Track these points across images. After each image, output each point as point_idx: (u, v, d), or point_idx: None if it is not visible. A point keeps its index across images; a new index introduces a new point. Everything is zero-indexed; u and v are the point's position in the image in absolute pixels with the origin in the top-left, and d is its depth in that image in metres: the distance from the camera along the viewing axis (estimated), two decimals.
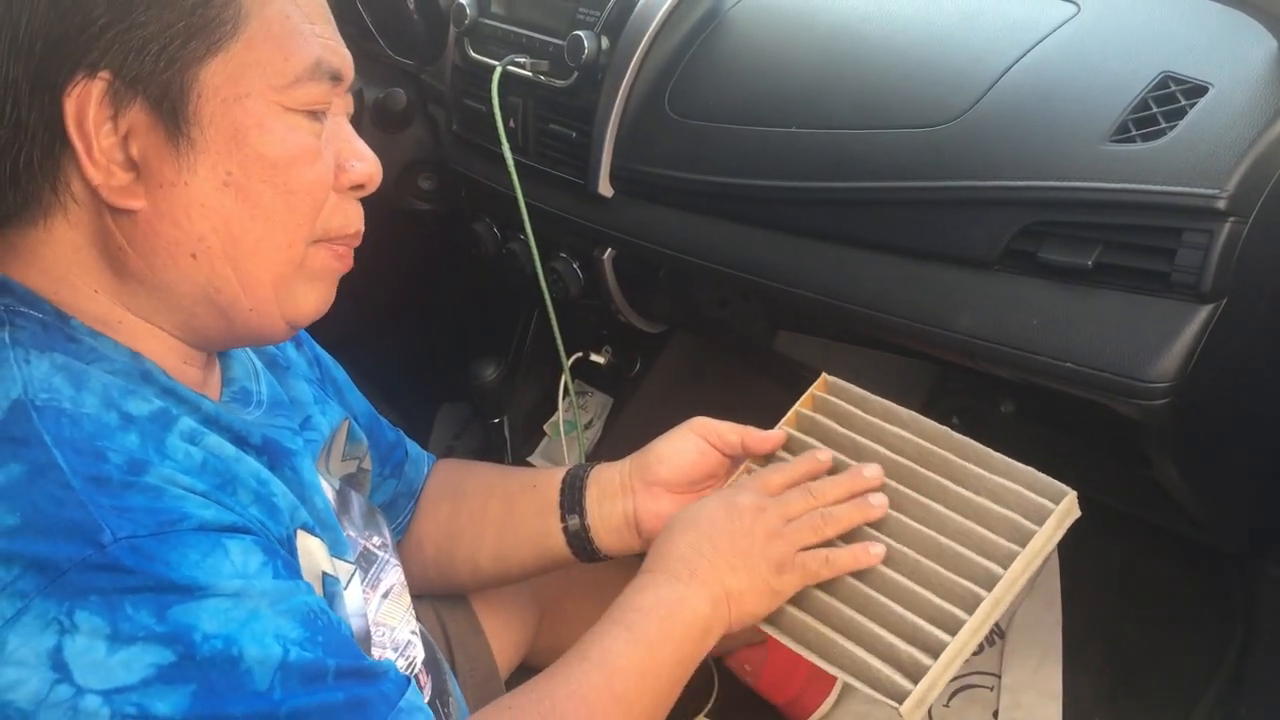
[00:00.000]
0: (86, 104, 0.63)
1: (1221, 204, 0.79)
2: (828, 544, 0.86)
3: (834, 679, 1.36)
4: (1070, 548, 1.34)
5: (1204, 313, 0.81)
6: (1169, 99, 0.86)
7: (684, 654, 0.81)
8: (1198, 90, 0.85)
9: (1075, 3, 0.99)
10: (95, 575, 0.57)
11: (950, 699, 1.34)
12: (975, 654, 1.35)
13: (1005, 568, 0.82)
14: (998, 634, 1.37)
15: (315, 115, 0.70)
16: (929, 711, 1.33)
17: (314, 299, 0.74)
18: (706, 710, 1.38)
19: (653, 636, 0.79)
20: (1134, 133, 0.86)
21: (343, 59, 0.71)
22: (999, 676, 1.33)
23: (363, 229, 0.76)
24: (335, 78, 0.70)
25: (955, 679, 1.34)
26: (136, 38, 0.63)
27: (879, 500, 0.87)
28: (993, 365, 0.94)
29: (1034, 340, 0.88)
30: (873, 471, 0.89)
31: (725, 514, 0.85)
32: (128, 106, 0.64)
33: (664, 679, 0.79)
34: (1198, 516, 1.04)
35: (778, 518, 0.85)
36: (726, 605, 0.82)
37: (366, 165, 0.74)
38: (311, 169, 0.69)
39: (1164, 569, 1.31)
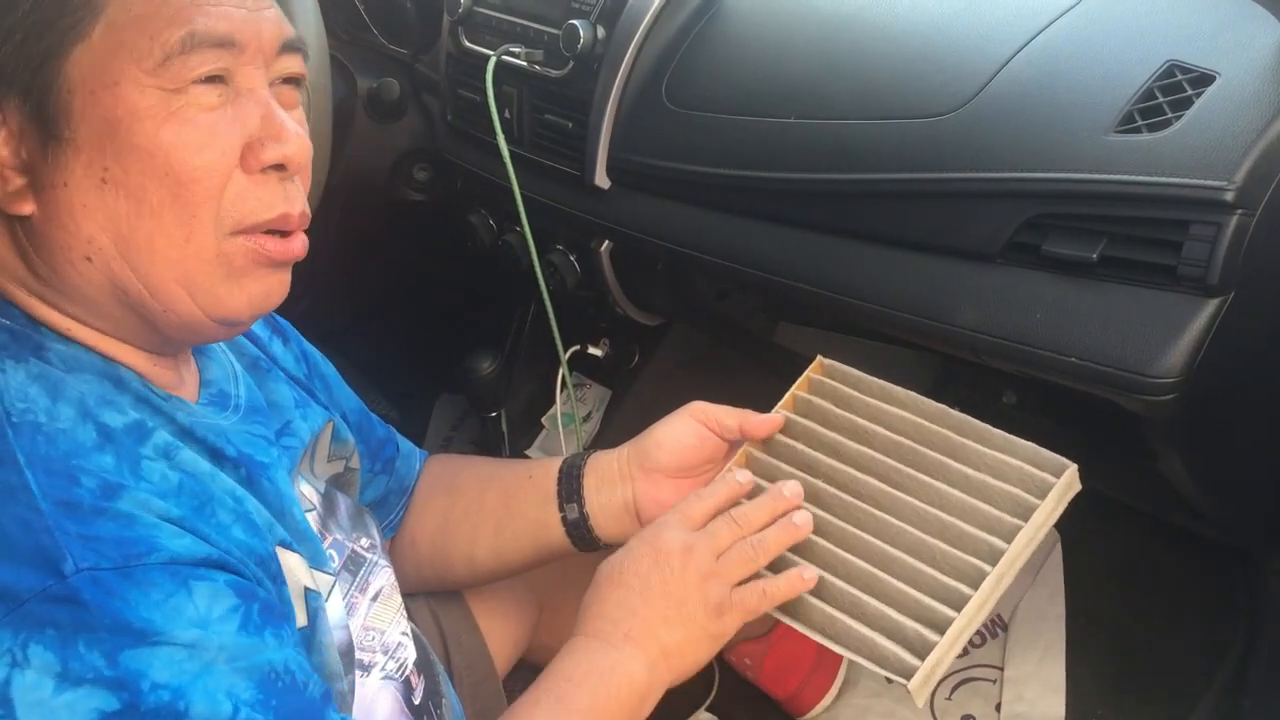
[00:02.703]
0: None
1: (1229, 196, 0.78)
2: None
3: (834, 674, 1.36)
4: (1074, 540, 1.36)
5: (1211, 306, 0.80)
6: (1175, 88, 0.85)
7: None
8: (1205, 79, 0.84)
9: None
10: (54, 608, 0.55)
11: (953, 691, 1.34)
12: (977, 645, 1.36)
13: (1009, 543, 0.81)
14: (1000, 626, 1.37)
15: (209, 93, 0.64)
16: (931, 704, 1.33)
17: (244, 297, 0.68)
18: (707, 705, 1.38)
19: (584, 709, 0.76)
20: (1140, 123, 0.84)
21: (234, 22, 0.64)
22: (1002, 669, 1.33)
23: (295, 211, 0.69)
24: (225, 45, 0.64)
25: (958, 671, 1.35)
26: None
27: (803, 519, 0.84)
28: (995, 360, 0.93)
29: (1037, 335, 0.87)
30: (791, 490, 0.86)
31: (652, 561, 0.81)
32: (4, 108, 0.62)
33: None
34: (1202, 510, 1.03)
35: (707, 554, 0.81)
36: (665, 664, 0.79)
37: (286, 145, 0.67)
38: (200, 155, 0.64)
39: (1168, 562, 1.30)
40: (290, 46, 0.69)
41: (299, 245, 0.70)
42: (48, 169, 0.62)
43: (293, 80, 0.71)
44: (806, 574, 0.82)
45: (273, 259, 0.68)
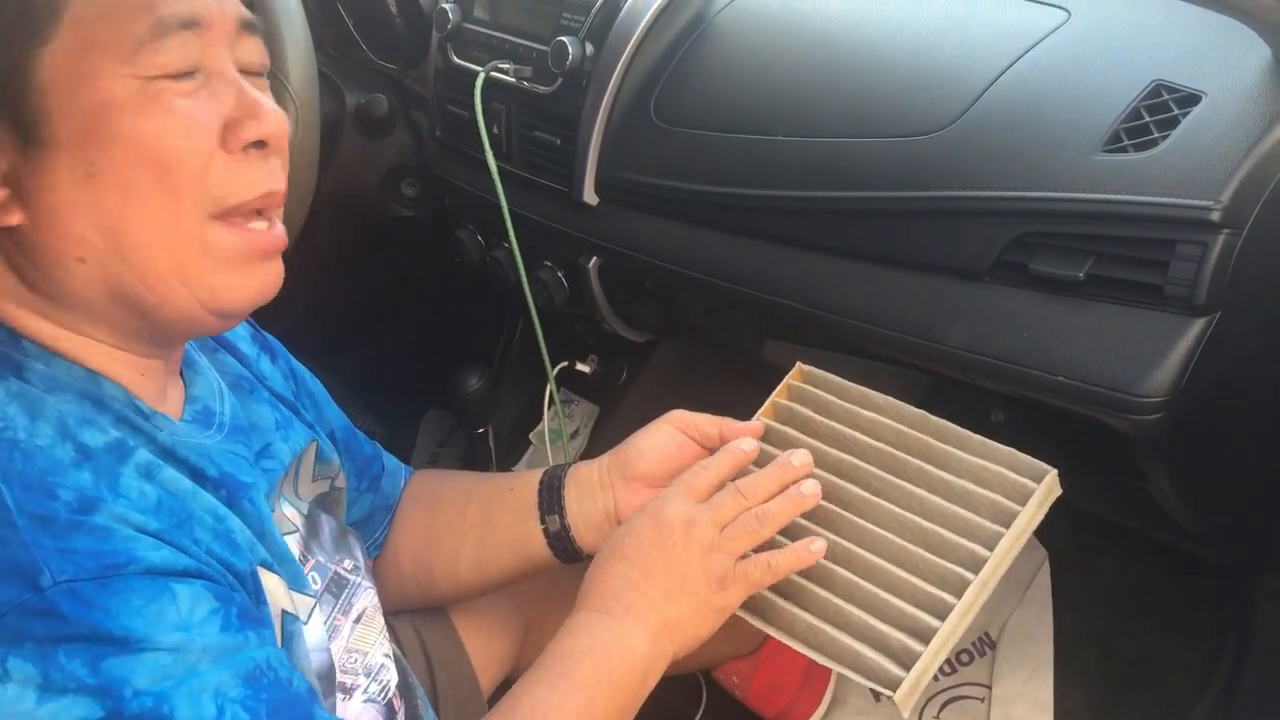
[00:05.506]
0: None
1: (1215, 215, 0.78)
2: (766, 544, 0.84)
3: (823, 693, 1.36)
4: (1062, 558, 1.35)
5: (1197, 326, 0.80)
6: (1162, 108, 0.85)
7: (623, 698, 0.77)
8: (1191, 99, 0.84)
9: (1065, 9, 0.98)
10: (31, 621, 0.55)
11: (941, 710, 1.34)
12: (965, 664, 1.35)
13: (990, 549, 0.81)
14: (989, 645, 1.36)
15: (183, 76, 0.64)
16: None
17: (243, 291, 0.68)
18: None
19: (588, 683, 0.75)
20: (1126, 142, 0.85)
21: (195, 3, 0.64)
22: (990, 687, 1.33)
23: (280, 188, 0.69)
24: (190, 25, 0.64)
25: (946, 690, 1.34)
26: None
27: (811, 488, 0.83)
28: (983, 378, 0.93)
29: (1025, 353, 0.86)
30: (800, 459, 0.85)
31: (654, 534, 0.80)
32: None
33: None
34: (1191, 528, 1.03)
35: (710, 526, 0.80)
36: (667, 636, 0.79)
37: (264, 122, 0.67)
38: (183, 138, 0.64)
39: (1156, 580, 1.30)
40: (250, 25, 0.69)
41: (281, 230, 0.70)
42: (32, 174, 0.62)
43: (258, 73, 0.71)
44: (814, 545, 0.82)
45: (264, 251, 0.69)
